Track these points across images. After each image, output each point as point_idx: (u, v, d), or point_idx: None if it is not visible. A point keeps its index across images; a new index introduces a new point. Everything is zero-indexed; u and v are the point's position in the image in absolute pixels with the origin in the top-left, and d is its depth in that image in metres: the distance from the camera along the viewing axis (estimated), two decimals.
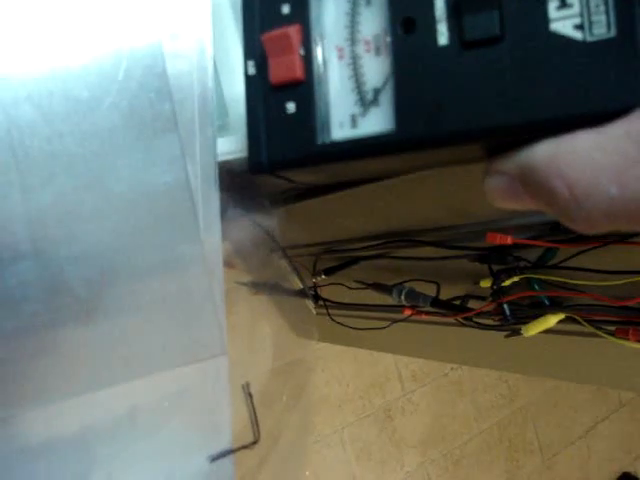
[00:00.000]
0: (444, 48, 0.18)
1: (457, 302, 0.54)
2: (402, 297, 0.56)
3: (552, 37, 0.17)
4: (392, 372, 1.66)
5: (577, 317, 0.43)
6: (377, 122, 0.20)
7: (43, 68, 0.22)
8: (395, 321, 0.62)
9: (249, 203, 0.32)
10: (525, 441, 1.91)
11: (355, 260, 0.63)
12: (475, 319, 0.51)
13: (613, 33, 0.16)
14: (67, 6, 0.22)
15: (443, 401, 1.75)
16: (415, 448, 1.69)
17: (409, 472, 1.67)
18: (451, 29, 0.18)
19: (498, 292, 0.46)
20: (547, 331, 0.46)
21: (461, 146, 0.19)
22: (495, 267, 0.47)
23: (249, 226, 0.35)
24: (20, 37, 0.21)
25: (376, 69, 0.20)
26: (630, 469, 2.10)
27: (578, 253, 0.41)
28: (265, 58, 0.22)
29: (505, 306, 0.47)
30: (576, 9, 0.16)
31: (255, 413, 0.29)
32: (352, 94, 0.21)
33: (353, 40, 0.21)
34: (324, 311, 0.71)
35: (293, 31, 0.21)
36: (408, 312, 0.58)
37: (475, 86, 0.18)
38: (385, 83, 0.20)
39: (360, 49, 0.21)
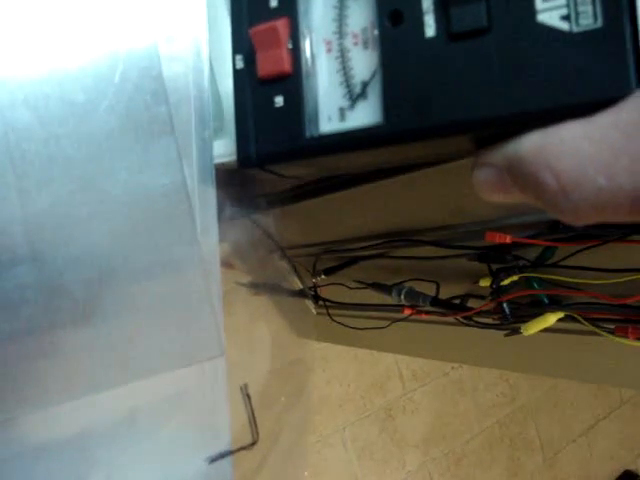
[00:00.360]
0: (431, 40, 0.18)
1: (457, 301, 0.54)
2: (402, 297, 0.56)
3: (539, 28, 0.17)
4: (393, 371, 1.66)
5: (576, 315, 0.43)
6: (365, 115, 0.20)
7: (39, 71, 0.22)
8: (395, 321, 0.62)
9: (247, 204, 0.32)
10: (526, 439, 1.90)
11: (355, 260, 0.63)
12: (475, 318, 0.51)
13: (600, 23, 0.16)
14: (63, 9, 0.22)
15: (444, 400, 1.75)
16: (416, 447, 1.69)
17: (410, 471, 1.67)
18: (438, 21, 0.18)
19: (497, 291, 0.46)
20: (547, 330, 0.46)
21: (449, 138, 0.19)
22: (494, 266, 0.47)
23: (248, 227, 0.35)
24: (16, 40, 0.21)
25: (364, 62, 0.20)
26: (632, 467, 2.09)
27: (577, 252, 0.41)
28: (253, 52, 0.22)
29: (505, 305, 0.47)
30: (562, 0, 0.16)
31: (254, 414, 0.29)
32: (340, 87, 0.21)
33: (341, 33, 0.21)
34: (324, 311, 0.71)
35: (281, 25, 0.21)
36: (408, 312, 0.58)
37: (463, 78, 0.18)
38: (373, 76, 0.20)
39: (348, 42, 0.21)
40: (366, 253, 0.59)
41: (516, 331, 0.48)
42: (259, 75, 0.22)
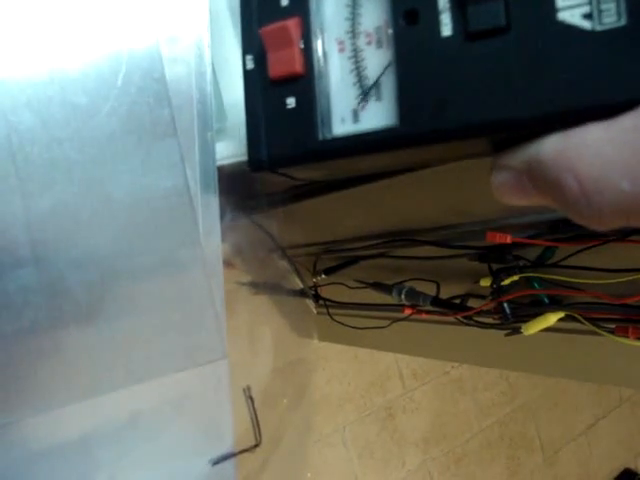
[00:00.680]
0: (448, 39, 0.18)
1: (457, 301, 0.54)
2: (402, 296, 0.56)
3: (560, 27, 0.16)
4: (393, 370, 1.66)
5: (577, 315, 0.43)
6: (379, 117, 0.20)
7: (42, 74, 0.22)
8: (395, 320, 0.62)
9: (249, 204, 0.32)
10: (526, 439, 1.91)
11: (355, 260, 0.63)
12: (475, 318, 0.51)
13: (624, 22, 0.15)
14: (65, 12, 0.22)
15: (444, 399, 1.75)
16: (416, 446, 1.69)
17: (411, 470, 1.67)
18: (455, 20, 0.18)
19: (498, 291, 0.46)
20: (547, 329, 0.46)
21: (466, 141, 0.18)
22: (495, 266, 0.47)
23: (249, 226, 0.35)
24: (18, 43, 0.21)
25: (378, 62, 0.20)
26: (631, 465, 2.10)
27: (577, 251, 0.41)
28: (264, 52, 0.21)
29: (505, 305, 0.47)
30: None
31: (256, 416, 0.29)
32: (353, 88, 0.20)
33: (354, 33, 0.20)
34: (324, 311, 0.71)
35: (292, 24, 0.21)
36: (408, 311, 0.58)
37: (480, 78, 0.17)
38: (387, 76, 0.19)
39: (361, 42, 0.20)
40: (366, 253, 0.59)
41: (516, 331, 0.48)
42: (270, 76, 0.21)
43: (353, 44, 0.20)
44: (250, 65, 0.22)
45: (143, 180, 0.23)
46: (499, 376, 1.86)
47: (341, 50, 0.21)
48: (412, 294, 0.55)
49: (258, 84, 0.22)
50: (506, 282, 0.46)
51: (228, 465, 0.26)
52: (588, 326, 0.43)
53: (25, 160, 0.21)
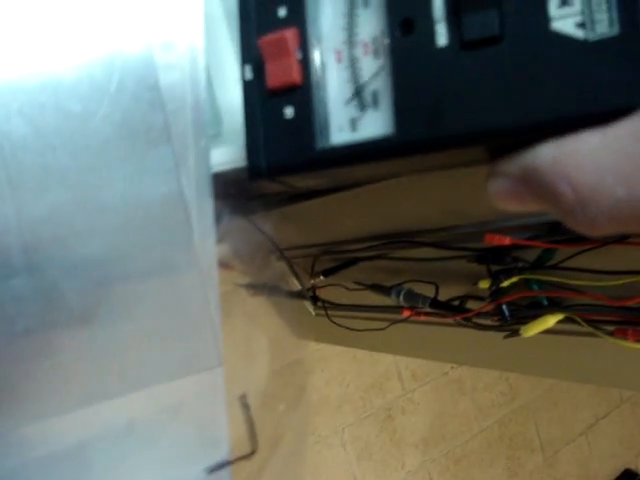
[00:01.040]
0: (443, 49, 0.18)
1: (456, 303, 0.53)
2: (401, 298, 0.55)
3: (553, 36, 0.16)
4: (392, 372, 1.66)
5: (576, 317, 0.43)
6: (377, 126, 0.20)
7: (34, 80, 0.21)
8: (394, 322, 0.62)
9: (246, 205, 0.32)
10: (526, 439, 1.91)
11: (353, 261, 0.63)
12: (474, 320, 0.51)
13: (616, 31, 0.15)
14: (58, 18, 0.22)
15: (443, 400, 1.75)
16: (416, 447, 1.69)
17: (410, 472, 1.67)
18: (450, 29, 0.18)
19: (497, 293, 0.46)
20: (546, 331, 0.45)
21: (462, 149, 0.19)
22: (494, 268, 0.47)
23: (246, 228, 0.35)
24: (10, 49, 0.21)
25: (375, 72, 0.20)
26: (631, 466, 2.10)
27: (577, 253, 0.41)
28: (262, 62, 0.21)
29: (504, 307, 0.47)
30: (577, 7, 0.16)
31: (252, 424, 0.29)
32: (351, 98, 0.21)
33: (351, 42, 0.20)
34: (322, 312, 0.71)
35: (290, 34, 0.21)
36: (407, 313, 0.58)
37: (476, 87, 0.18)
38: (384, 86, 0.20)
39: (358, 51, 0.20)
40: (365, 254, 0.59)
41: (515, 333, 0.48)
42: (268, 86, 0.21)
43: (350, 54, 0.21)
44: (249, 75, 0.22)
45: (137, 187, 0.23)
46: (499, 377, 1.86)
47: (338, 60, 0.21)
48: (411, 296, 0.55)
49: (256, 94, 0.22)
50: (505, 284, 0.46)
51: (224, 473, 0.26)
52: (587, 328, 0.43)
53: (18, 168, 0.21)
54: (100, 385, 0.23)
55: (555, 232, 0.40)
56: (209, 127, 0.24)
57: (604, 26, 0.16)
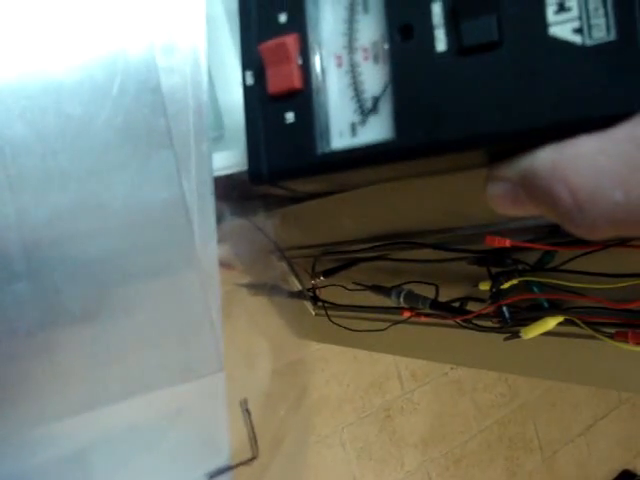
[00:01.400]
0: (442, 54, 0.18)
1: (456, 304, 0.53)
2: (401, 299, 0.55)
3: (551, 41, 0.16)
4: (392, 372, 1.66)
5: (576, 320, 0.43)
6: (377, 130, 0.20)
7: (36, 84, 0.21)
8: (394, 323, 0.62)
9: (248, 206, 0.32)
10: (525, 439, 1.91)
11: (354, 262, 0.63)
12: (474, 321, 0.51)
13: (613, 36, 0.16)
14: (60, 22, 0.22)
15: (443, 400, 1.75)
16: (415, 447, 1.69)
17: (409, 471, 1.67)
18: (449, 35, 0.18)
19: (497, 294, 0.46)
20: (546, 333, 0.45)
21: (462, 153, 0.19)
22: (494, 270, 0.47)
23: (248, 229, 0.35)
24: (12, 53, 0.21)
25: (375, 77, 0.20)
26: (630, 467, 2.10)
27: (577, 256, 0.41)
28: (263, 68, 0.22)
29: (504, 308, 0.47)
30: (575, 13, 0.16)
31: (253, 429, 0.29)
32: (351, 102, 0.21)
33: (351, 48, 0.21)
34: (323, 312, 0.71)
35: (290, 40, 0.21)
36: (407, 314, 0.58)
37: (475, 92, 0.18)
38: (384, 91, 0.20)
39: (358, 57, 0.21)
40: (365, 255, 0.59)
41: (516, 335, 0.48)
42: (269, 91, 0.22)
43: (350, 59, 0.21)
44: (250, 81, 0.22)
45: (139, 191, 0.22)
46: (498, 377, 1.86)
47: (339, 65, 0.21)
48: (411, 297, 0.55)
49: (258, 99, 0.22)
50: (505, 286, 0.46)
51: (225, 478, 0.26)
52: (587, 331, 0.43)
53: (19, 173, 0.21)
54: (101, 390, 0.23)
55: (555, 234, 0.40)
56: (211, 130, 0.24)
57: (601, 31, 0.16)
